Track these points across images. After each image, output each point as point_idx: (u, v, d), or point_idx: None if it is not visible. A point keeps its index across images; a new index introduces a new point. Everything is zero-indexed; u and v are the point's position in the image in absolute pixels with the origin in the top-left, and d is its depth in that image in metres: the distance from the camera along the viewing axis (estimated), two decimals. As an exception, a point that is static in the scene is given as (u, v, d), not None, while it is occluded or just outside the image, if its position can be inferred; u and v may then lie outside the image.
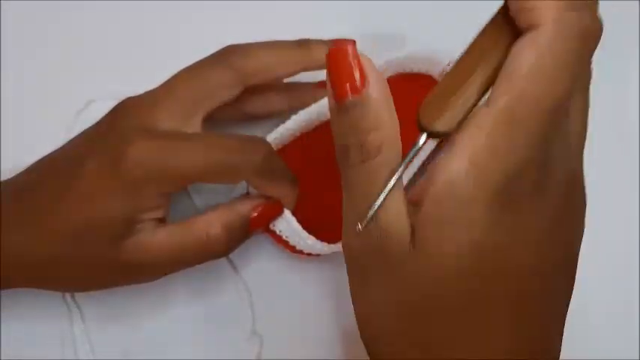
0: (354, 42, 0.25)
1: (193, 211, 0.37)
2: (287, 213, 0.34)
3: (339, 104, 0.24)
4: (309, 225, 0.35)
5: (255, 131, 0.33)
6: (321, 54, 0.36)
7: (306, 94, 0.39)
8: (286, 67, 0.35)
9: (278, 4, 0.44)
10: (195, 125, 0.33)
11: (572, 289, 0.27)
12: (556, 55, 0.23)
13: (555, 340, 0.26)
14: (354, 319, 0.37)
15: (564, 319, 0.27)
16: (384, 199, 0.24)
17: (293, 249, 0.35)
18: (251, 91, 0.35)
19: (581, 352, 0.31)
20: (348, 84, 0.24)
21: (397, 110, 0.40)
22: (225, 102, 0.34)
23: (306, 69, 0.36)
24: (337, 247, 0.35)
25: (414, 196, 0.25)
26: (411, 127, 0.40)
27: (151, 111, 0.32)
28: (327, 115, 0.38)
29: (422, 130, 0.25)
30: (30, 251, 0.31)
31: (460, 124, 0.24)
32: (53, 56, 0.42)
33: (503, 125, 0.23)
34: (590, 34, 0.24)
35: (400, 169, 0.24)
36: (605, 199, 0.40)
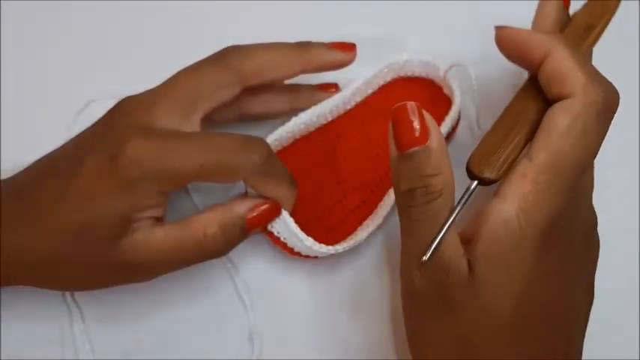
0: (416, 106, 0.28)
1: (191, 211, 0.37)
2: (285, 214, 0.34)
3: (404, 152, 0.28)
4: (307, 227, 0.35)
5: (255, 133, 0.33)
6: (320, 56, 0.36)
7: (306, 96, 0.39)
8: (285, 69, 0.35)
9: (278, 6, 0.44)
10: (193, 125, 0.33)
11: (590, 310, 0.32)
12: (586, 119, 0.29)
13: (579, 352, 0.31)
14: (353, 320, 0.37)
15: (584, 335, 0.32)
16: (444, 236, 0.28)
17: (291, 251, 0.35)
18: (251, 92, 0.35)
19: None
20: (412, 135, 0.28)
21: (389, 117, 0.40)
22: (225, 102, 0.34)
23: (305, 71, 0.36)
24: (335, 249, 0.35)
25: (466, 235, 0.30)
26: None
27: (150, 110, 0.32)
28: (327, 117, 0.38)
29: (472, 177, 0.30)
30: (29, 250, 0.31)
31: (504, 174, 0.29)
32: (53, 56, 0.42)
33: (544, 175, 0.28)
34: (611, 103, 0.30)
35: (458, 208, 0.29)
36: (605, 199, 0.40)
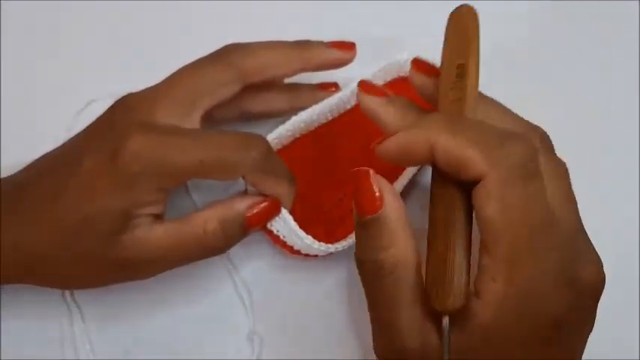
0: (369, 171, 0.28)
1: (191, 209, 0.37)
2: (284, 212, 0.34)
3: (360, 221, 0.28)
4: (307, 226, 0.35)
5: (255, 131, 0.33)
6: (320, 55, 0.36)
7: (306, 95, 0.39)
8: (285, 67, 0.35)
9: (278, 6, 0.44)
10: (193, 122, 0.33)
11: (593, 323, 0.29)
12: (513, 192, 0.25)
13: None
14: (353, 319, 0.37)
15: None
16: (401, 317, 0.27)
17: (291, 249, 0.35)
18: (251, 90, 0.35)
19: (580, 352, 0.31)
20: (366, 202, 0.27)
21: None
22: (225, 100, 0.34)
23: (305, 69, 0.36)
24: (334, 247, 0.35)
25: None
26: None
27: (150, 107, 0.32)
28: (327, 116, 0.38)
29: (438, 312, 0.27)
30: (29, 247, 0.31)
31: (467, 293, 0.26)
32: (53, 56, 0.42)
33: (509, 269, 0.25)
34: (529, 151, 0.26)
35: (445, 353, 0.27)
36: (605, 199, 0.40)
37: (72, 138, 0.34)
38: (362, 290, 0.37)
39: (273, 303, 0.37)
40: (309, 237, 0.34)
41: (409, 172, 0.37)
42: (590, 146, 0.41)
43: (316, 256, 0.36)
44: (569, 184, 0.29)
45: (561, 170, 0.29)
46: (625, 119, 0.42)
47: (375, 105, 0.31)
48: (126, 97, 0.33)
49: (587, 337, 0.28)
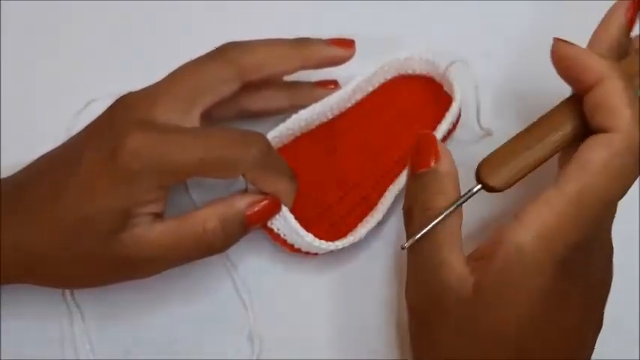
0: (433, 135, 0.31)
1: (191, 208, 0.37)
2: (285, 210, 0.34)
3: (415, 172, 0.30)
4: (307, 224, 0.35)
5: (255, 130, 0.33)
6: (319, 52, 0.36)
7: (305, 92, 0.39)
8: (285, 64, 0.35)
9: (278, 5, 0.44)
10: (193, 120, 0.33)
11: (596, 338, 0.31)
12: (624, 159, 0.28)
13: None
14: (353, 319, 0.37)
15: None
16: (446, 253, 0.29)
17: (291, 247, 0.35)
18: (251, 88, 0.35)
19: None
20: (425, 158, 0.30)
21: (398, 110, 0.41)
22: (224, 97, 0.34)
23: (304, 67, 0.36)
24: (335, 245, 0.35)
25: (481, 252, 0.31)
26: (411, 126, 0.40)
27: (150, 105, 0.32)
28: (328, 115, 0.38)
29: (478, 181, 0.29)
30: (29, 246, 0.31)
31: (510, 186, 0.29)
32: (53, 56, 0.42)
33: (570, 207, 0.27)
34: None
35: (453, 206, 0.29)
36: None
37: (72, 137, 0.34)
38: (363, 288, 0.37)
39: (273, 303, 0.37)
40: (310, 235, 0.34)
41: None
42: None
43: (316, 254, 0.36)
44: None
45: None
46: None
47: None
48: (125, 95, 0.33)
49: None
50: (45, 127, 0.39)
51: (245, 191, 0.34)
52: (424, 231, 0.29)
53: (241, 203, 0.33)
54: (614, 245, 0.32)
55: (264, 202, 0.33)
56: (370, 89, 0.40)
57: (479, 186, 0.29)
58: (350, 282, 0.37)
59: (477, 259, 0.30)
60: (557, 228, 0.27)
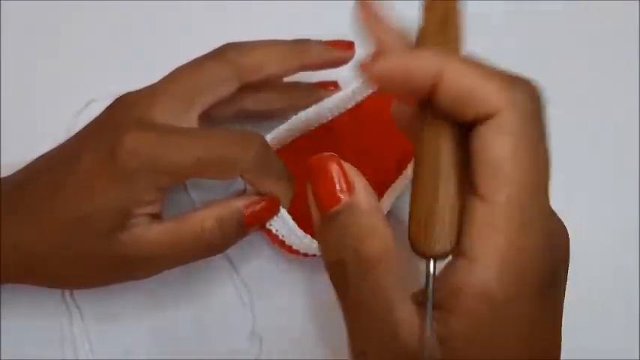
0: (335, 157, 0.25)
1: (190, 209, 0.37)
2: (283, 211, 0.34)
3: (327, 214, 0.24)
4: (306, 226, 0.34)
5: (254, 131, 0.33)
6: (318, 53, 0.36)
7: (305, 94, 0.39)
8: (283, 65, 0.35)
9: (279, 5, 0.44)
10: (191, 120, 0.33)
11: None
12: (527, 132, 0.23)
13: None
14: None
15: None
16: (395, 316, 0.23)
17: (289, 249, 0.35)
18: (249, 89, 0.35)
19: (581, 352, 0.31)
20: (334, 191, 0.24)
21: (390, 116, 0.40)
22: (223, 98, 0.34)
23: (303, 68, 0.36)
24: None
25: (438, 310, 0.24)
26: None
27: (148, 105, 0.32)
28: (327, 116, 0.38)
29: (425, 257, 0.24)
30: (28, 246, 0.31)
31: (459, 235, 0.24)
32: (53, 56, 0.42)
33: (514, 217, 0.23)
34: (537, 94, 0.24)
35: (429, 302, 0.23)
36: (606, 198, 0.40)
37: (71, 137, 0.34)
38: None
39: (273, 303, 0.37)
40: (308, 236, 0.34)
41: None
42: (590, 146, 0.41)
43: (315, 255, 0.36)
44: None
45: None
46: (626, 120, 0.42)
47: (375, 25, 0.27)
48: (124, 95, 0.33)
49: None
50: (45, 127, 0.39)
51: (244, 192, 0.34)
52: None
53: (239, 204, 0.33)
54: (615, 246, 0.32)
55: (262, 203, 0.33)
56: (370, 90, 0.40)
57: (432, 262, 0.24)
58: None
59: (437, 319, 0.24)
60: (516, 252, 0.23)
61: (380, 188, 0.37)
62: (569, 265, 0.25)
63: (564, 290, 0.25)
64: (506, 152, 0.23)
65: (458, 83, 0.24)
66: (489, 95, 0.23)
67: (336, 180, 0.24)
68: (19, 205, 0.32)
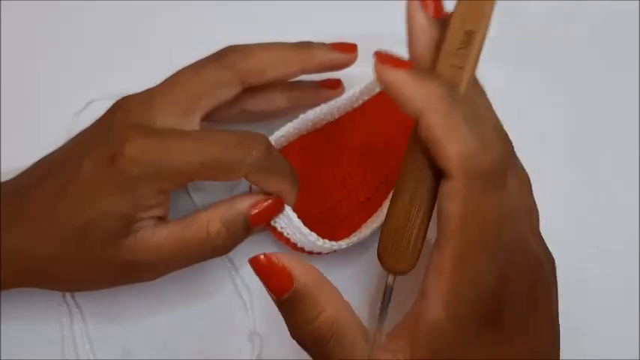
0: (267, 256, 0.27)
1: (194, 209, 0.37)
2: (288, 209, 0.34)
3: (278, 302, 0.27)
4: (311, 223, 0.35)
5: (258, 131, 0.33)
6: (321, 57, 0.36)
7: (308, 93, 0.39)
8: (285, 69, 0.35)
9: (282, 5, 0.44)
10: (193, 123, 0.33)
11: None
12: (475, 202, 0.25)
13: None
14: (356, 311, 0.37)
15: None
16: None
17: (294, 246, 0.35)
18: (252, 90, 0.35)
19: (581, 352, 0.31)
20: (276, 286, 0.27)
21: (396, 115, 0.40)
22: (224, 101, 0.34)
23: (305, 71, 0.36)
24: (338, 245, 0.35)
25: (400, 331, 0.28)
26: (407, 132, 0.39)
27: (149, 108, 0.32)
28: (334, 115, 0.38)
29: (388, 271, 0.28)
30: (31, 252, 0.31)
31: (417, 259, 0.27)
32: (53, 56, 0.42)
33: (458, 266, 0.26)
34: (498, 168, 0.26)
35: (383, 314, 0.28)
36: (605, 199, 0.40)
37: (71, 140, 0.34)
38: (365, 288, 0.37)
39: (273, 303, 0.37)
40: (313, 234, 0.34)
41: None
42: (590, 146, 0.41)
43: (320, 253, 0.36)
44: (531, 194, 0.29)
45: (524, 181, 0.29)
46: (625, 120, 0.42)
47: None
48: (124, 98, 0.33)
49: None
50: (45, 127, 0.39)
51: (249, 191, 0.34)
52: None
53: (244, 204, 0.33)
54: (615, 246, 0.32)
55: (267, 203, 0.33)
56: (377, 90, 0.39)
57: (391, 277, 0.28)
58: (353, 282, 0.37)
59: (396, 337, 0.28)
60: (459, 291, 0.26)
61: (384, 186, 0.37)
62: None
63: (543, 320, 0.28)
64: (455, 215, 0.25)
65: (428, 133, 0.26)
66: (449, 156, 0.25)
67: (275, 275, 0.26)
68: (21, 210, 0.32)
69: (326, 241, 0.34)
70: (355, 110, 0.39)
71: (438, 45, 0.28)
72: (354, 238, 0.35)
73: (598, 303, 0.33)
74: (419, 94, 0.26)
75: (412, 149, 0.28)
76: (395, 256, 0.27)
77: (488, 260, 0.26)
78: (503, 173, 0.26)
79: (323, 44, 0.36)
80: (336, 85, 0.39)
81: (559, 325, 0.29)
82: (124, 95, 0.33)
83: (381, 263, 0.28)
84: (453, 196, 0.25)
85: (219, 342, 0.36)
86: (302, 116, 0.37)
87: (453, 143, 0.25)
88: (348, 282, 0.37)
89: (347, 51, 0.36)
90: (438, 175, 0.27)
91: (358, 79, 0.38)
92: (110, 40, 0.43)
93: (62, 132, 0.38)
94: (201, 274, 0.37)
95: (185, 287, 0.37)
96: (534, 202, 0.29)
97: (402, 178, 0.28)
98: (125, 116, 0.32)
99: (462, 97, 0.27)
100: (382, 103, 0.39)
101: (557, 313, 0.29)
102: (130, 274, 0.33)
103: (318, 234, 0.34)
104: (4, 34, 0.42)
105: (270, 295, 0.27)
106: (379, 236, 0.28)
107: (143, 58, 0.42)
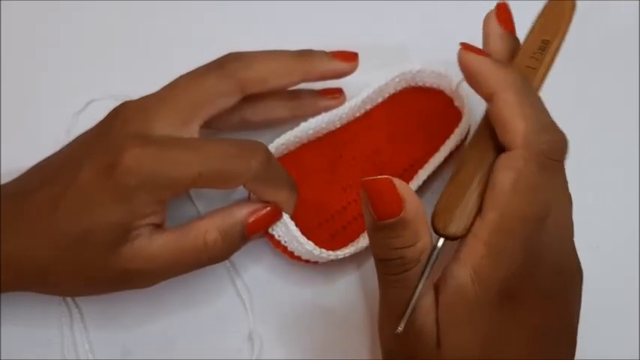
0: (389, 179, 0.28)
1: (194, 215, 0.37)
2: (286, 218, 0.34)
3: (379, 224, 0.28)
4: (309, 232, 0.35)
5: (257, 139, 0.33)
6: (322, 65, 0.35)
7: (308, 103, 0.38)
8: (286, 78, 0.35)
9: (278, 6, 0.44)
10: (192, 132, 0.33)
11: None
12: (529, 176, 0.28)
13: None
14: (353, 319, 0.37)
15: None
16: (417, 302, 0.28)
17: (291, 255, 0.35)
18: (252, 99, 0.35)
19: (581, 352, 0.31)
20: (387, 207, 0.27)
21: (408, 122, 0.40)
22: (224, 110, 0.34)
23: (306, 80, 0.35)
24: (335, 254, 0.34)
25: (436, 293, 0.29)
26: (418, 139, 0.39)
27: (148, 117, 0.32)
28: (335, 124, 0.38)
29: (438, 234, 0.29)
30: (29, 258, 0.31)
31: (471, 227, 0.29)
32: (53, 56, 0.42)
33: (495, 236, 0.28)
34: (556, 151, 0.28)
35: (427, 272, 0.28)
36: (606, 199, 0.40)
37: (71, 143, 0.34)
38: (362, 291, 0.37)
39: (273, 303, 0.37)
40: (311, 243, 0.34)
41: (420, 178, 0.37)
42: (590, 146, 0.41)
43: (317, 262, 0.35)
44: (571, 211, 0.30)
45: (568, 193, 0.30)
46: (625, 120, 0.42)
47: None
48: (124, 105, 0.33)
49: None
50: (45, 127, 0.39)
51: (248, 199, 0.34)
52: (408, 312, 0.28)
53: (241, 213, 0.33)
54: (615, 246, 0.32)
55: (264, 212, 0.33)
56: (380, 100, 0.39)
57: (442, 240, 0.29)
58: (350, 290, 0.37)
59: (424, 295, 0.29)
60: (489, 261, 0.27)
61: None
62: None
63: (559, 314, 0.29)
64: (506, 183, 0.28)
65: (499, 109, 0.29)
66: (514, 132, 0.28)
67: (388, 199, 0.27)
68: (20, 216, 0.31)
69: (323, 250, 0.34)
70: (357, 120, 0.39)
71: (511, 53, 0.32)
72: (351, 248, 0.35)
73: (598, 303, 0.32)
74: (496, 76, 0.29)
75: (481, 127, 0.31)
76: (450, 218, 0.29)
77: (522, 237, 0.27)
78: (561, 158, 0.28)
79: (324, 53, 0.36)
80: (337, 94, 0.39)
81: (576, 336, 0.30)
82: (124, 100, 0.33)
83: (434, 225, 0.29)
84: (510, 167, 0.28)
85: (219, 342, 0.36)
86: (303, 125, 0.37)
87: (520, 120, 0.28)
88: (346, 285, 0.37)
89: (348, 60, 0.36)
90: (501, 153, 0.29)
91: (360, 87, 0.38)
92: (110, 40, 0.43)
93: (62, 132, 0.38)
94: (201, 274, 0.37)
95: (185, 287, 0.37)
96: (571, 220, 0.30)
97: (470, 150, 0.30)
98: (123, 124, 0.32)
99: (532, 88, 0.30)
100: (384, 113, 0.39)
101: (577, 326, 0.30)
102: (126, 282, 0.32)
103: (316, 243, 0.34)
104: (4, 34, 0.42)
105: (370, 216, 0.28)
106: (437, 201, 0.30)
107: (143, 58, 0.42)
